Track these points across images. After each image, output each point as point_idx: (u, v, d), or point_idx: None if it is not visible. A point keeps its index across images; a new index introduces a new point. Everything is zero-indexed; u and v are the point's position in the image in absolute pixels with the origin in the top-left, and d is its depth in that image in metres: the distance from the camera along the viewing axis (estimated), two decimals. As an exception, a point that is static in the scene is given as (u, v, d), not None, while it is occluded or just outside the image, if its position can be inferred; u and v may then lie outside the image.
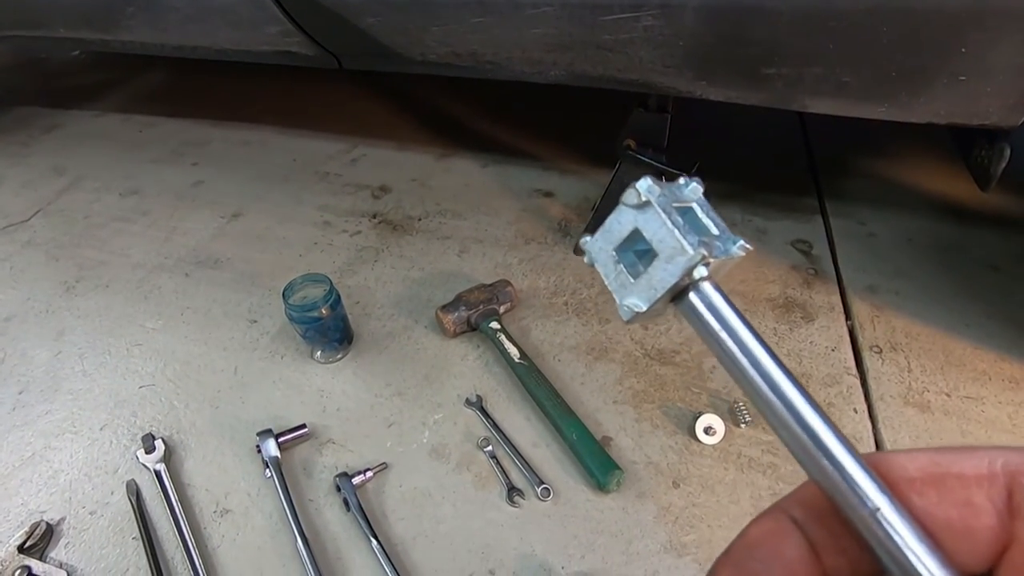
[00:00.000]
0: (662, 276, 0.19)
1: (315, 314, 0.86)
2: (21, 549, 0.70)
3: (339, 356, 0.93)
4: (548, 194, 1.27)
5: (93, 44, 1.27)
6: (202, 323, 1.02)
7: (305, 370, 0.92)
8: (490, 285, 0.98)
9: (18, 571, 0.68)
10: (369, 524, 0.71)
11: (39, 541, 0.72)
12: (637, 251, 0.20)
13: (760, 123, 1.47)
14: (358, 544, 0.71)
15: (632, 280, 0.20)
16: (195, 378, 0.92)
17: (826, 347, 0.91)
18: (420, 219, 1.23)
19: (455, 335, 0.95)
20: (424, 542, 0.71)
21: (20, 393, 0.92)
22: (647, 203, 0.19)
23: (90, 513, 0.76)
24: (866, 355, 0.89)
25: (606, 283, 0.21)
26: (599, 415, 0.83)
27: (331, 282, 0.89)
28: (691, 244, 0.18)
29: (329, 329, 0.89)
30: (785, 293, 1.00)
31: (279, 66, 1.17)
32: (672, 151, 0.99)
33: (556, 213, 1.22)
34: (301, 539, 0.69)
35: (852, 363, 0.88)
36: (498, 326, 0.92)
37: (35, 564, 0.69)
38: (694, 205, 0.20)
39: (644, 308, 0.19)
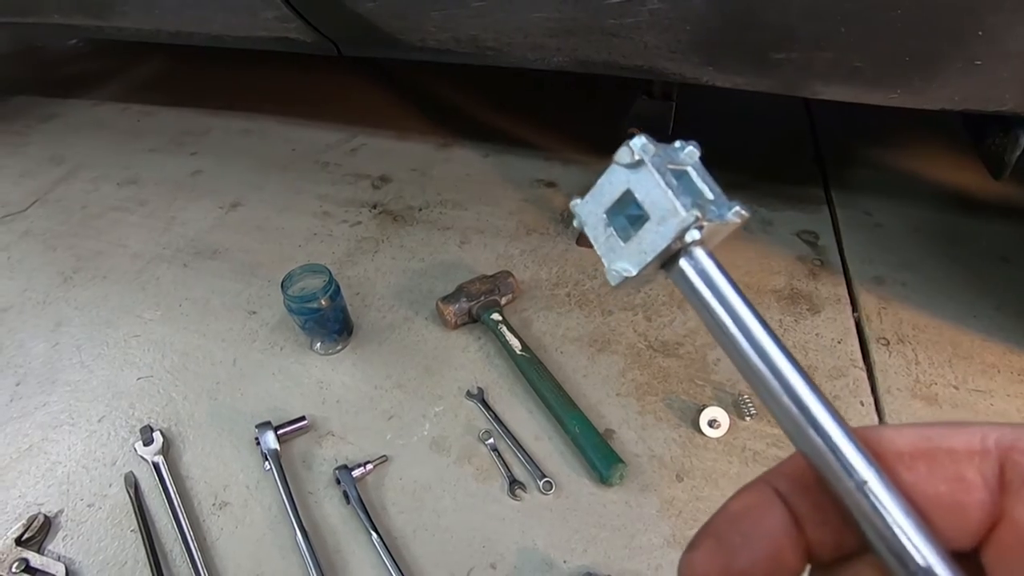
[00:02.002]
0: (653, 239, 0.18)
1: (314, 305, 0.85)
2: (19, 542, 0.70)
3: (339, 348, 0.93)
4: (550, 184, 1.26)
5: (88, 31, 1.25)
6: (201, 314, 1.01)
7: (304, 362, 0.91)
8: (491, 276, 0.97)
9: (16, 564, 0.68)
10: (369, 517, 0.70)
11: (37, 534, 0.71)
12: (628, 215, 0.19)
13: (766, 111, 1.45)
14: (358, 537, 0.70)
15: (622, 244, 0.19)
16: (193, 369, 0.92)
17: (832, 339, 0.89)
18: (421, 209, 1.21)
19: (456, 327, 0.94)
20: (424, 535, 0.70)
21: (17, 385, 0.92)
22: (640, 162, 0.18)
23: (88, 505, 0.75)
24: (873, 347, 0.88)
25: (595, 247, 0.20)
26: (602, 408, 0.82)
27: (330, 273, 0.88)
28: (684, 205, 0.18)
29: (328, 320, 0.88)
30: (791, 284, 0.99)
31: (278, 54, 1.15)
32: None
33: (558, 203, 1.20)
34: (300, 532, 0.68)
35: (859, 355, 0.87)
36: (499, 317, 0.91)
37: (33, 557, 0.69)
38: (689, 169, 0.19)
39: (634, 272, 0.19)
